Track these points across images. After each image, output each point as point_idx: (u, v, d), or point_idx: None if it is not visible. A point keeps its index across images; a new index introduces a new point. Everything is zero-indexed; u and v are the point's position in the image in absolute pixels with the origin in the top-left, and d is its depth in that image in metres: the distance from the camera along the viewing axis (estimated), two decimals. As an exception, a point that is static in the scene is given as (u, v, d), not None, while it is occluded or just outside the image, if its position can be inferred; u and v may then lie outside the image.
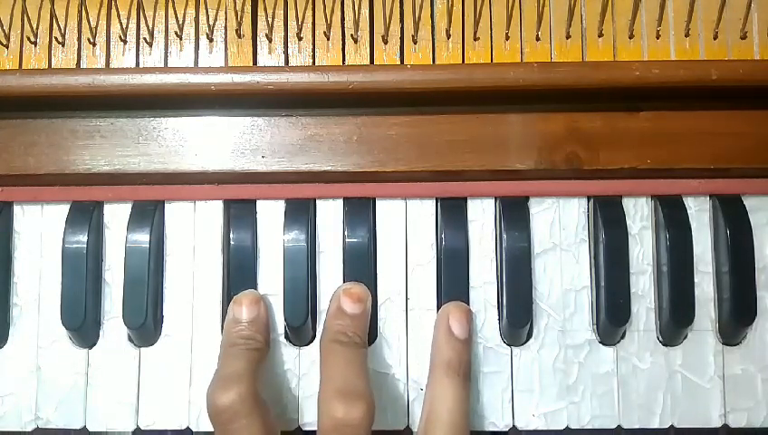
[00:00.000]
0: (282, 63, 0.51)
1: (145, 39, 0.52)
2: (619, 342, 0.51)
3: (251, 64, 0.51)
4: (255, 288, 0.51)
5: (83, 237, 0.51)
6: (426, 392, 0.47)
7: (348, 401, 0.42)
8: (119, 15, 0.52)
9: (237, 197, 0.52)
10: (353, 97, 0.48)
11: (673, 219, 0.51)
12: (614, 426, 0.50)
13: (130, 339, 0.51)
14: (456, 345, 0.47)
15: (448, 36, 0.51)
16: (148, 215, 0.51)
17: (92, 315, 0.51)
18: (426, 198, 0.52)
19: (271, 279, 0.51)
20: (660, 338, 0.51)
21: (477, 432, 0.51)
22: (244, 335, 0.47)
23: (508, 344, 0.51)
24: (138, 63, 0.52)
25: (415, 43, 0.51)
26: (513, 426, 0.50)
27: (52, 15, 0.51)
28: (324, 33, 0.52)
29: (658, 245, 0.51)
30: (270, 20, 0.51)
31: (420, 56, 0.51)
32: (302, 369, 0.51)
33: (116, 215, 0.52)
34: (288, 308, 0.50)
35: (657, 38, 0.51)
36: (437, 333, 0.48)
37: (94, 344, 0.51)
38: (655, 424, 0.50)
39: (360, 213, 0.51)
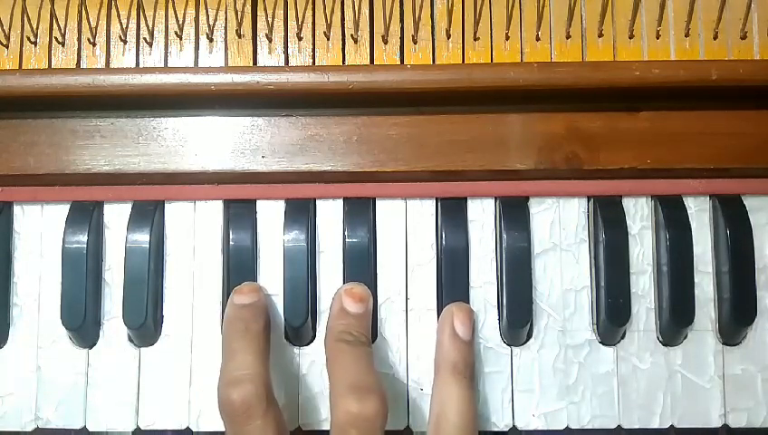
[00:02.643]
0: (282, 63, 0.51)
1: (145, 39, 0.52)
2: (619, 342, 0.51)
3: (251, 64, 0.51)
4: (255, 288, 0.51)
5: (83, 237, 0.51)
6: (433, 395, 0.47)
7: (362, 395, 0.42)
8: (119, 15, 0.52)
9: (237, 197, 0.52)
10: (353, 97, 0.48)
11: (673, 219, 0.51)
12: (614, 426, 0.50)
13: (130, 339, 0.51)
14: (462, 347, 0.47)
15: (448, 36, 0.51)
16: (148, 215, 0.51)
17: (92, 315, 0.51)
18: (426, 198, 0.52)
19: (271, 279, 0.51)
20: (660, 338, 0.51)
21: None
22: (243, 317, 0.47)
23: (508, 344, 0.51)
24: (138, 63, 0.52)
25: (415, 43, 0.51)
26: (513, 426, 0.50)
27: (52, 15, 0.51)
28: (324, 33, 0.52)
29: (658, 245, 0.51)
30: (270, 20, 0.51)
31: (420, 56, 0.51)
32: (302, 369, 0.51)
33: (116, 215, 0.52)
34: (288, 308, 0.50)
35: (657, 38, 0.51)
36: (442, 335, 0.48)
37: (94, 344, 0.51)
38: (655, 424, 0.50)
39: (360, 213, 0.52)
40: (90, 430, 0.50)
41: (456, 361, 0.46)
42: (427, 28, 0.51)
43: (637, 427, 0.50)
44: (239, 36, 0.52)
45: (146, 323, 0.50)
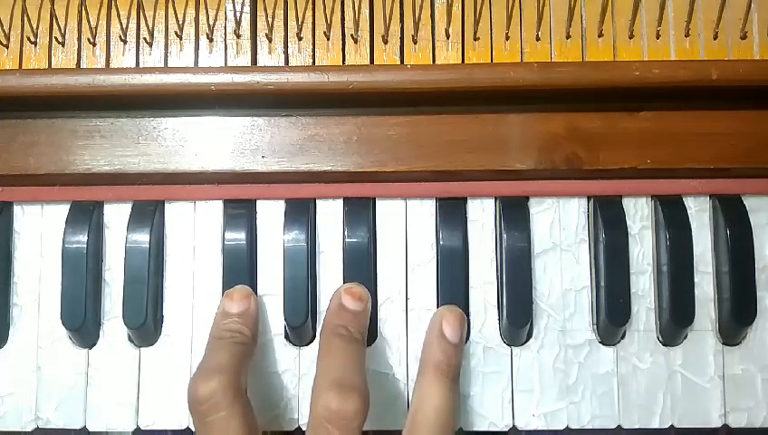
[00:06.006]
0: (282, 63, 0.51)
1: (145, 39, 0.52)
2: (619, 342, 0.51)
3: (251, 64, 0.51)
4: (255, 288, 0.51)
5: (83, 237, 0.51)
6: (414, 392, 0.47)
7: (343, 392, 0.42)
8: (119, 15, 0.52)
9: (237, 197, 0.52)
10: (353, 97, 0.48)
11: (673, 219, 0.51)
12: (614, 426, 0.50)
13: (130, 339, 0.51)
14: (447, 348, 0.47)
15: (448, 36, 0.51)
16: (148, 215, 0.51)
17: (92, 315, 0.51)
18: (426, 198, 0.52)
19: (271, 279, 0.51)
20: (660, 338, 0.51)
21: (477, 432, 0.51)
22: (231, 328, 0.47)
23: (508, 344, 0.51)
24: (138, 63, 0.52)
25: (415, 43, 0.51)
26: (513, 426, 0.50)
27: (52, 15, 0.51)
28: (324, 33, 0.52)
29: (658, 245, 0.51)
30: (270, 20, 0.51)
31: (420, 56, 0.51)
32: (302, 369, 0.51)
33: (116, 215, 0.52)
34: (288, 308, 0.50)
35: (657, 38, 0.51)
36: (430, 335, 0.48)
37: (94, 344, 0.51)
38: (655, 424, 0.50)
39: (360, 213, 0.51)
40: (90, 430, 0.50)
41: (440, 360, 0.46)
42: (427, 28, 0.51)
43: (637, 427, 0.50)
44: (239, 36, 0.52)
45: (146, 323, 0.50)
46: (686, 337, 0.51)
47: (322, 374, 0.44)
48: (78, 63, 0.52)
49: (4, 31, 0.51)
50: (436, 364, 0.46)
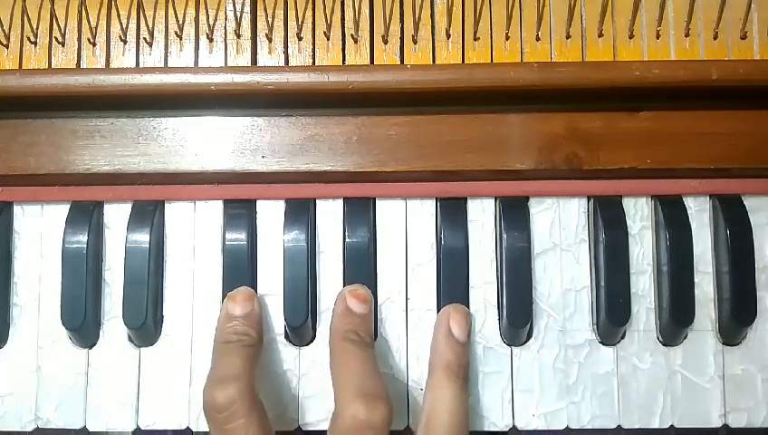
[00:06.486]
0: (282, 63, 0.51)
1: (145, 39, 0.52)
2: (619, 342, 0.51)
3: (251, 64, 0.51)
4: (255, 288, 0.51)
5: (83, 237, 0.51)
6: (425, 395, 0.47)
7: (370, 402, 0.42)
8: (119, 15, 0.52)
9: (237, 197, 0.52)
10: (353, 97, 0.48)
11: (673, 219, 0.51)
12: (614, 426, 0.50)
13: (130, 339, 0.51)
14: (456, 348, 0.47)
15: (448, 36, 0.51)
16: (149, 215, 0.51)
17: (92, 315, 0.51)
18: (426, 198, 0.52)
19: (271, 279, 0.51)
20: (660, 338, 0.51)
21: (477, 432, 0.51)
22: (238, 331, 0.47)
23: (508, 344, 0.51)
24: (138, 63, 0.52)
25: (415, 43, 0.51)
26: (513, 426, 0.50)
27: (52, 15, 0.51)
28: (324, 33, 0.52)
29: (658, 245, 0.51)
30: (270, 20, 0.51)
31: (420, 56, 0.51)
32: (302, 369, 0.51)
33: (116, 215, 0.52)
34: (288, 308, 0.50)
35: (657, 38, 0.51)
36: (437, 336, 0.48)
37: (94, 344, 0.51)
38: (655, 424, 0.50)
39: (360, 213, 0.52)
40: (90, 430, 0.50)
41: (450, 361, 0.47)
42: (427, 28, 0.51)
43: (637, 427, 0.50)
44: (239, 36, 0.52)
45: (146, 323, 0.50)
46: (686, 337, 0.51)
47: (345, 384, 0.44)
48: (78, 63, 0.52)
49: (4, 31, 0.51)
50: (446, 365, 0.46)
